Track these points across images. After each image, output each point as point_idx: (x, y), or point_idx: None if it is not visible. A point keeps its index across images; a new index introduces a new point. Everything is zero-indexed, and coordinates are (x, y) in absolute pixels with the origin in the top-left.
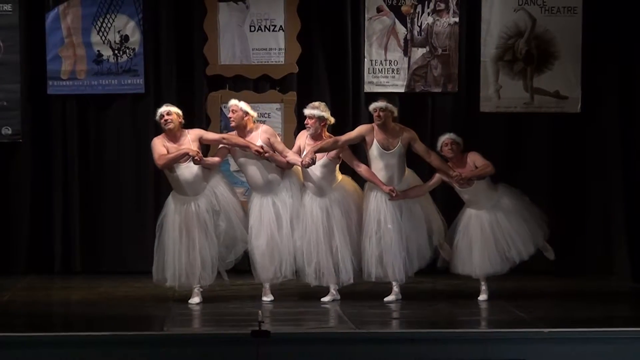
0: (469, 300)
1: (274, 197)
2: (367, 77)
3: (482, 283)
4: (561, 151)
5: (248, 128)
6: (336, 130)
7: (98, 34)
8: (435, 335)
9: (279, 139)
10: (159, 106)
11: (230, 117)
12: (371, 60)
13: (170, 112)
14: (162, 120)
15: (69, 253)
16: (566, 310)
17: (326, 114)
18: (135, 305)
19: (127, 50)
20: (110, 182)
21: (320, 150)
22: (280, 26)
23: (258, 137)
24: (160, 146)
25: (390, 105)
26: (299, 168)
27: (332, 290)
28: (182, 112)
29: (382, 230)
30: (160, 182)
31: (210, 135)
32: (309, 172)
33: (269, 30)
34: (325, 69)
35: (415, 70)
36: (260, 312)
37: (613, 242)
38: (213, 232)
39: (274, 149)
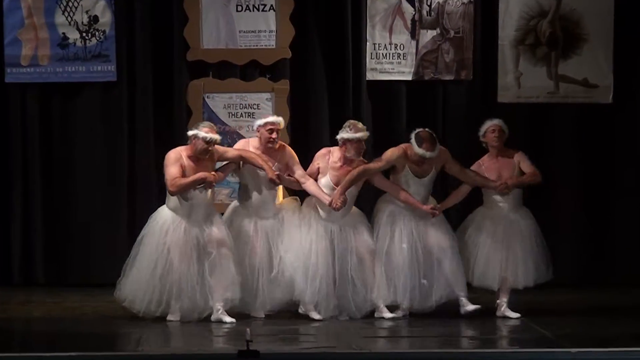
0: (486, 316)
1: (259, 221)
2: (370, 63)
3: (500, 299)
4: (590, 147)
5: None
6: (335, 125)
7: (63, 14)
8: (445, 356)
9: (298, 161)
10: (134, 96)
11: (274, 139)
12: (374, 44)
13: (217, 143)
14: (204, 147)
15: (30, 262)
16: (596, 327)
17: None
18: (106, 322)
19: (97, 33)
20: (77, 183)
21: (349, 185)
22: (271, 5)
23: (278, 159)
24: (176, 166)
25: (437, 148)
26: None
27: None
28: (160, 103)
29: (395, 248)
30: (134, 183)
31: (230, 154)
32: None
33: (258, 9)
34: (321, 54)
35: (424, 56)
36: (248, 329)
37: None
38: (196, 260)
39: (291, 173)
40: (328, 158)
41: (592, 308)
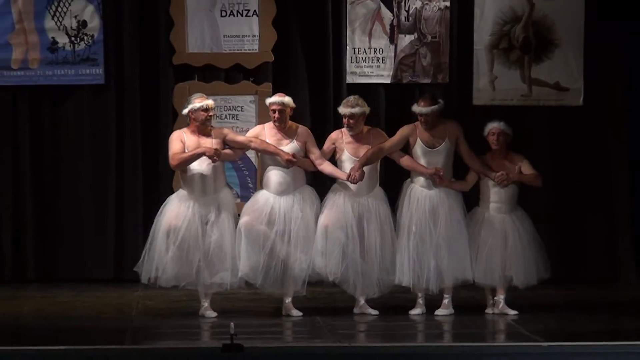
0: (463, 311)
1: (286, 199)
2: (350, 66)
3: (497, 296)
4: (562, 147)
5: (288, 125)
6: (316, 127)
7: (52, 18)
8: (423, 350)
9: (314, 142)
10: (122, 99)
11: (278, 118)
12: (354, 49)
13: (213, 107)
14: (205, 116)
15: (21, 258)
16: (567, 321)
17: (366, 107)
18: (94, 317)
19: (85, 37)
20: (67, 182)
21: (366, 163)
22: (254, 10)
23: (295, 138)
24: (177, 142)
25: (435, 108)
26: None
27: (361, 304)
28: (147, 105)
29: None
30: (122, 181)
31: (237, 137)
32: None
33: (241, 15)
34: (303, 58)
35: (402, 59)
36: (232, 324)
37: (617, 245)
38: (201, 239)
39: (308, 153)
40: (342, 136)
41: (565, 303)
